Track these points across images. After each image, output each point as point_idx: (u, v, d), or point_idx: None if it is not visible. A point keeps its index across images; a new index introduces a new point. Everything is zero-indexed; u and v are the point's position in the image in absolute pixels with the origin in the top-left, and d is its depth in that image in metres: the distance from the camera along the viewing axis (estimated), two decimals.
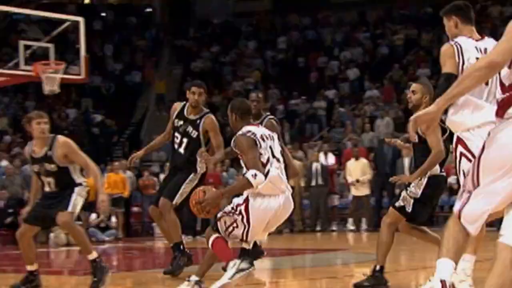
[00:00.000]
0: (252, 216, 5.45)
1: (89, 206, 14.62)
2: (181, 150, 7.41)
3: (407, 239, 13.44)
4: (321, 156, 16.97)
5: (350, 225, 16.01)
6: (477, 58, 4.66)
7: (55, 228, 14.40)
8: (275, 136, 5.77)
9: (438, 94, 4.32)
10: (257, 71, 26.54)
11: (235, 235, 5.53)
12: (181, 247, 7.42)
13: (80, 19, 11.94)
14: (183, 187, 7.21)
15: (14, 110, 24.23)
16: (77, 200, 6.53)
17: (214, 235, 5.57)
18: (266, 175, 5.46)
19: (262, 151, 5.53)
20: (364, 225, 16.03)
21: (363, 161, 16.13)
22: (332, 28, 27.92)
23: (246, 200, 5.48)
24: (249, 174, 5.40)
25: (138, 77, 27.46)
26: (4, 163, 16.72)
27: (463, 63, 4.74)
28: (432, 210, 6.36)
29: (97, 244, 13.24)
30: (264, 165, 5.49)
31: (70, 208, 6.49)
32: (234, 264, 5.40)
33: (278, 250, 10.90)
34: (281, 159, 5.67)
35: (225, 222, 5.53)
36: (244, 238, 5.54)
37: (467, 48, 4.81)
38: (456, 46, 4.82)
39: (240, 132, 5.62)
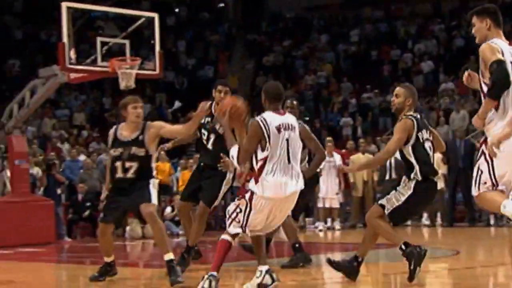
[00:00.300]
0: (254, 202, 5.58)
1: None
2: (209, 146, 7.37)
3: (484, 235, 13.21)
4: None
5: (425, 220, 15.78)
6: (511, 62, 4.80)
7: (131, 221, 14.72)
8: (297, 127, 5.77)
9: (495, 81, 4.69)
10: (329, 64, 26.41)
11: (238, 219, 5.64)
12: (193, 249, 7.55)
13: (155, 15, 12.11)
14: (221, 190, 7.21)
15: (91, 106, 24.85)
16: (154, 193, 6.60)
17: (225, 236, 5.74)
18: (260, 171, 5.55)
19: (270, 141, 5.56)
20: (439, 220, 15.78)
21: (437, 155, 15.82)
22: (405, 21, 27.51)
23: (252, 192, 5.61)
24: (233, 150, 5.66)
25: (211, 72, 27.72)
26: (82, 157, 17.16)
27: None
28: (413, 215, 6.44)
29: (171, 237, 13.43)
30: (263, 160, 5.56)
31: (154, 200, 6.52)
32: (260, 275, 5.63)
33: (351, 244, 10.83)
34: (296, 155, 5.65)
35: (231, 209, 5.70)
36: (244, 222, 5.62)
37: (505, 51, 4.87)
38: (497, 46, 4.86)
39: (258, 116, 5.72)
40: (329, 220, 15.45)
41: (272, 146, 5.58)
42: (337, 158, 15.45)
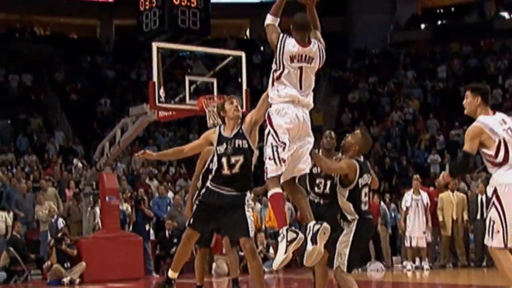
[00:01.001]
0: (274, 109, 5.85)
1: None
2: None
3: None
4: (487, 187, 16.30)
5: None
6: (504, 130, 5.74)
7: (217, 258, 14.81)
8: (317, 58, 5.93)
9: (455, 168, 5.82)
10: (416, 101, 26.07)
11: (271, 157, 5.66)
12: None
13: (242, 54, 12.28)
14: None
15: (179, 143, 25.32)
16: (251, 222, 6.34)
17: (274, 189, 5.65)
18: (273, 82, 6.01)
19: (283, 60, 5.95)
20: None
21: None
22: (495, 56, 26.95)
23: (269, 114, 5.90)
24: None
25: None
26: (170, 194, 17.43)
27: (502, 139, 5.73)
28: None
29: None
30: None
31: (251, 233, 6.26)
32: (283, 237, 5.51)
33: (440, 285, 10.54)
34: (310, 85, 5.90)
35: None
36: (275, 147, 5.66)
37: (493, 123, 5.78)
38: (483, 127, 5.76)
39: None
40: (417, 259, 15.11)
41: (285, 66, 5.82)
42: (425, 196, 15.15)
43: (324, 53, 5.96)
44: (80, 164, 18.98)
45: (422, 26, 31.67)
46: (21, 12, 30.35)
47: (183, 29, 11.61)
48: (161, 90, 11.38)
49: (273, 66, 5.96)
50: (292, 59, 5.88)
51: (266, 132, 5.79)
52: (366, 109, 26.61)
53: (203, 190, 6.61)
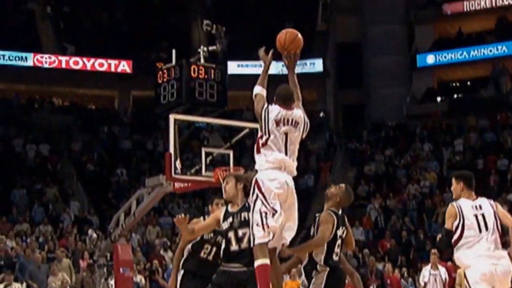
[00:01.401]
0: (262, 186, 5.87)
1: None
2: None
3: None
4: None
5: None
6: (474, 215, 6.54)
7: None
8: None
9: (440, 245, 6.76)
10: (433, 174, 25.99)
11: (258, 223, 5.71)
12: None
13: (258, 126, 12.36)
14: None
15: (193, 214, 25.28)
16: None
17: (262, 259, 5.63)
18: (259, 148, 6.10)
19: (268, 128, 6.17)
20: None
21: None
22: (511, 130, 26.97)
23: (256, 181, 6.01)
24: None
25: (311, 181, 27.77)
26: None
27: (463, 221, 6.50)
28: None
29: None
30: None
31: None
32: None
33: None
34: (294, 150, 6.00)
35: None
36: (264, 215, 5.73)
37: (466, 208, 6.56)
38: (456, 209, 6.57)
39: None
40: None
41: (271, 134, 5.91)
42: (443, 271, 14.93)
43: (307, 122, 6.13)
44: (94, 235, 18.98)
45: (438, 99, 31.84)
46: (41, 84, 30.89)
47: (200, 101, 11.74)
48: (178, 162, 11.43)
49: (259, 134, 6.04)
50: (277, 123, 6.07)
51: (253, 198, 5.81)
52: (383, 182, 26.53)
53: (215, 275, 6.47)
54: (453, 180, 6.71)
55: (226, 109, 12.63)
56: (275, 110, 6.07)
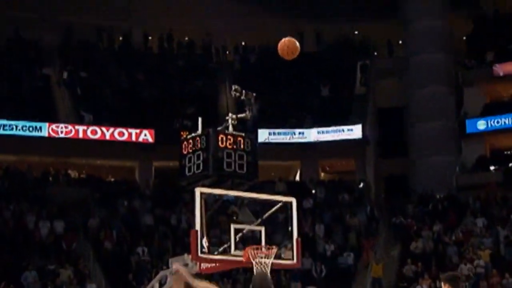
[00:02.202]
0: None
1: None
2: None
3: None
4: None
5: None
6: None
7: None
8: None
9: None
10: (488, 251, 25.56)
11: None
12: None
13: (292, 200, 12.33)
14: None
15: None
16: None
17: None
18: None
19: None
20: None
21: None
22: None
23: None
24: None
25: (351, 259, 27.49)
26: None
27: None
28: None
29: None
30: None
31: None
32: None
33: None
34: None
35: None
36: None
37: None
38: None
39: None
40: None
41: None
42: None
43: None
44: None
45: (492, 168, 31.57)
46: (56, 155, 31.29)
47: (228, 173, 11.75)
48: (204, 240, 11.38)
49: None
50: None
51: None
52: (431, 261, 26.14)
53: None
54: (442, 282, 7.44)
55: (257, 181, 12.63)
56: None
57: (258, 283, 6.33)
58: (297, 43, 7.10)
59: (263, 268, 11.22)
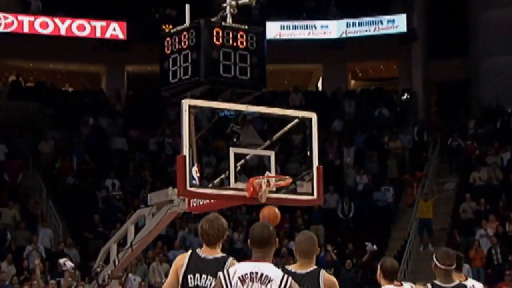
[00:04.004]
0: None
1: None
2: None
3: None
4: None
5: None
6: None
7: None
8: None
9: None
10: None
11: None
12: None
13: (313, 116, 12.40)
14: None
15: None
16: None
17: None
18: None
19: None
20: None
21: None
22: None
23: None
24: None
25: (390, 195, 27.73)
26: None
27: None
28: None
29: None
30: None
31: None
32: None
33: None
34: None
35: None
36: None
37: None
38: None
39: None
40: None
41: None
42: None
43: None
44: (70, 264, 18.90)
45: None
46: None
47: (226, 79, 11.78)
48: (195, 169, 11.51)
49: None
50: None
51: None
52: (499, 197, 26.39)
53: None
54: None
55: (265, 91, 12.68)
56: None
57: (258, 233, 6.69)
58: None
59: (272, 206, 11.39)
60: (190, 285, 7.41)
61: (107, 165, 27.51)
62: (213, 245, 7.45)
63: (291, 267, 8.01)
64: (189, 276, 7.44)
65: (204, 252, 7.46)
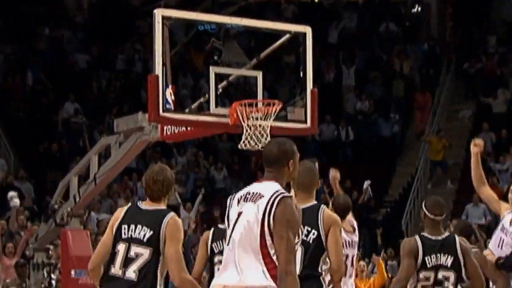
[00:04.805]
0: None
1: None
2: None
3: None
4: None
5: None
6: None
7: None
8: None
9: None
10: None
11: None
12: None
13: (307, 30, 12.41)
14: None
15: (196, 174, 25.41)
16: None
17: None
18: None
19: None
20: None
21: None
22: None
23: None
24: None
25: (397, 125, 27.82)
26: None
27: None
28: None
29: None
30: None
31: None
32: None
33: None
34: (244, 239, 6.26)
35: None
36: None
37: None
38: None
39: None
40: None
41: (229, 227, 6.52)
42: None
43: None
44: (16, 200, 18.88)
45: None
46: None
47: None
48: (169, 91, 11.54)
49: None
50: None
51: None
52: None
53: None
54: None
55: (252, 1, 12.65)
56: None
57: (267, 150, 6.61)
58: None
59: (258, 135, 11.46)
60: (123, 236, 7.49)
61: (67, 85, 27.42)
62: (157, 200, 7.52)
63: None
64: (123, 227, 7.53)
65: (146, 205, 7.56)
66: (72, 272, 13.85)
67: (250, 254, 6.25)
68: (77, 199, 13.88)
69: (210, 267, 10.34)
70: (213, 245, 10.18)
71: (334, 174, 11.19)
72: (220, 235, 9.92)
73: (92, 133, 24.96)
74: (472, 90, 29.11)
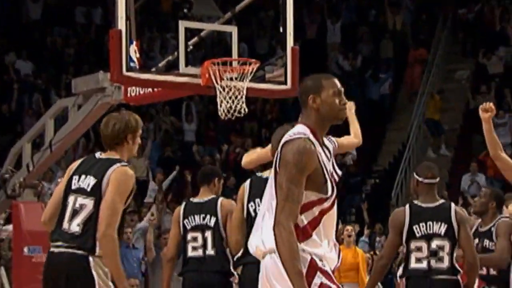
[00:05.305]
0: None
1: None
2: None
3: None
4: None
5: None
6: None
7: None
8: None
9: None
10: None
11: None
12: None
13: None
14: None
15: (168, 136, 25.47)
16: None
17: None
18: None
19: None
20: None
21: None
22: None
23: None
24: None
25: (387, 85, 27.90)
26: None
27: None
28: None
29: None
30: None
31: None
32: None
33: None
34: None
35: None
36: None
37: None
38: None
39: None
40: None
41: None
42: None
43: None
44: None
45: None
46: None
47: None
48: (133, 47, 11.52)
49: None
50: None
51: None
52: None
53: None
54: None
55: None
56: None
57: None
58: None
59: (233, 97, 11.45)
60: (72, 187, 7.66)
61: (17, 40, 27.38)
62: (110, 148, 7.70)
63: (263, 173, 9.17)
64: (74, 177, 7.70)
65: (102, 155, 7.75)
66: (25, 249, 13.86)
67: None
68: (31, 168, 13.87)
69: (183, 245, 10.70)
70: (184, 222, 10.58)
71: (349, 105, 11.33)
72: (191, 210, 10.41)
73: (47, 94, 24.92)
74: (470, 47, 29.10)
